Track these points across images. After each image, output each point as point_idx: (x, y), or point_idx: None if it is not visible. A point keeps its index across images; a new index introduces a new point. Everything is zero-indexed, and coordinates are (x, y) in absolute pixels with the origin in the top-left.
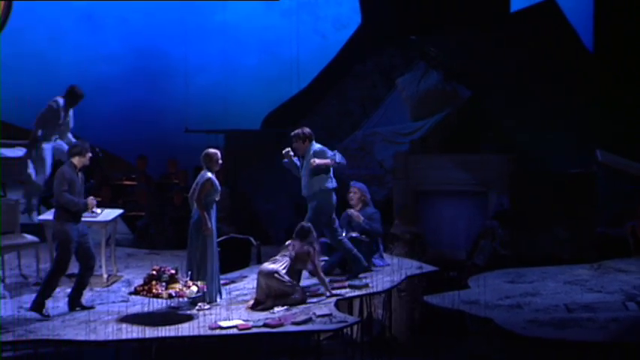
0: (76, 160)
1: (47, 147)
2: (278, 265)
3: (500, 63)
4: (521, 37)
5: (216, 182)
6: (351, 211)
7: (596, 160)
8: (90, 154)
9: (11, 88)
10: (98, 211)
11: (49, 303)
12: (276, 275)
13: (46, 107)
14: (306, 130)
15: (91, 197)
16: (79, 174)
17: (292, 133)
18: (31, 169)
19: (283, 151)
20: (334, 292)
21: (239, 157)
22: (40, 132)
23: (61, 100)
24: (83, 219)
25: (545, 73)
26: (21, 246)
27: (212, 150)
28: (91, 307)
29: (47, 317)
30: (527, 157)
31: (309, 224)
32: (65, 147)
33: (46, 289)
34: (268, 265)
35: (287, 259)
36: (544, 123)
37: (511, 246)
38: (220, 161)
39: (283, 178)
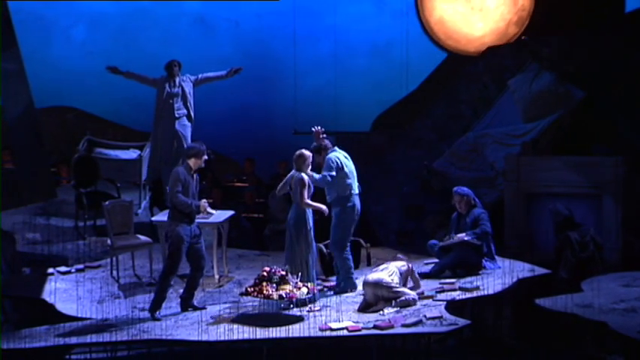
0: (192, 162)
1: None
2: (381, 272)
3: (613, 64)
4: (636, 38)
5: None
6: (456, 238)
7: None
8: (206, 157)
9: (124, 90)
10: (214, 212)
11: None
12: (382, 283)
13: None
14: (322, 142)
15: (204, 200)
16: (194, 176)
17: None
18: (144, 170)
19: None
20: (444, 295)
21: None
22: None
23: None
24: (196, 220)
25: None
26: (135, 246)
27: (307, 152)
28: (203, 308)
29: (157, 320)
30: None
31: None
32: None
33: (159, 291)
34: (372, 276)
35: (388, 264)
36: None
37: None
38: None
39: (393, 180)
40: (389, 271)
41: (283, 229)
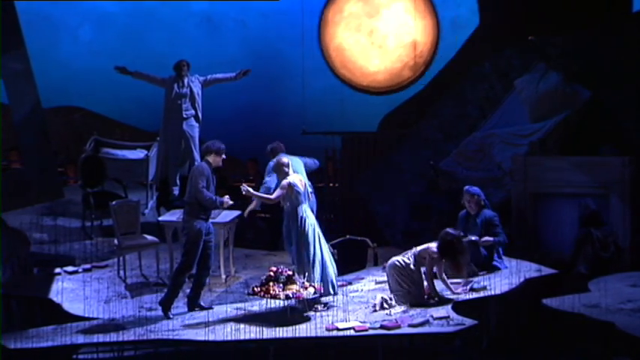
0: (211, 159)
1: None
2: (397, 256)
3: (621, 63)
4: None
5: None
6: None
7: None
8: (224, 156)
9: (131, 89)
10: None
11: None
12: (396, 264)
13: None
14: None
15: (227, 196)
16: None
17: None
18: (151, 170)
19: None
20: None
21: (356, 159)
22: None
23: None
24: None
25: None
26: (142, 246)
27: (285, 160)
28: (210, 308)
29: (169, 318)
30: None
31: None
32: None
33: (173, 288)
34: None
35: (411, 252)
36: None
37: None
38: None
39: (400, 180)
40: (405, 254)
41: None
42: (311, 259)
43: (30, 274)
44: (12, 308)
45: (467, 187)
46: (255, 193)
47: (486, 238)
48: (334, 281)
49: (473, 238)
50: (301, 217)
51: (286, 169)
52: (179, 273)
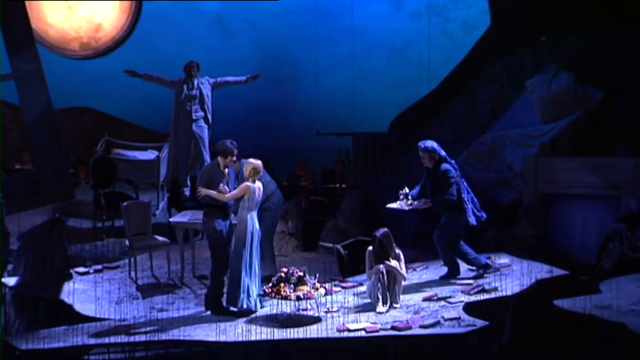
0: (220, 159)
1: None
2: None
3: (633, 64)
4: None
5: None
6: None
7: None
8: (234, 158)
9: (141, 91)
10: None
11: (180, 304)
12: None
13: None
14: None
15: (222, 184)
16: (226, 172)
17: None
18: (162, 171)
19: None
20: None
21: (367, 160)
22: None
23: None
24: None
25: None
26: (153, 247)
27: (255, 162)
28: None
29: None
30: None
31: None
32: None
33: (214, 290)
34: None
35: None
36: None
37: None
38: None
39: (411, 181)
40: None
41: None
42: (244, 263)
43: (54, 274)
44: (24, 309)
45: (420, 142)
46: (209, 192)
47: (425, 200)
48: (253, 294)
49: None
50: (250, 223)
51: (257, 177)
52: (215, 276)
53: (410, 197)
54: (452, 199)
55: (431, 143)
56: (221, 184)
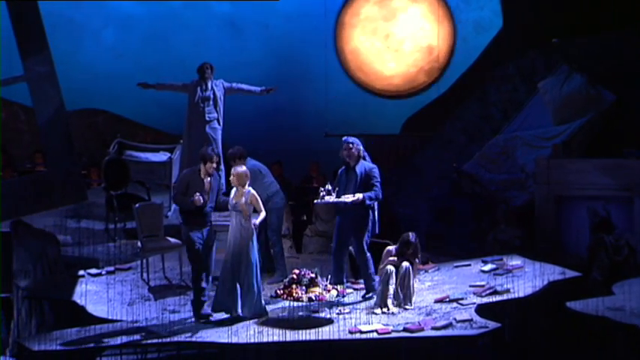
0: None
1: None
2: None
3: None
4: None
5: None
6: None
7: None
8: (214, 165)
9: (153, 92)
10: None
11: (187, 307)
12: None
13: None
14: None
15: (197, 194)
16: (208, 178)
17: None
18: (174, 173)
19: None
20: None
21: (378, 162)
22: None
23: None
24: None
25: None
26: (165, 249)
27: (241, 169)
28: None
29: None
30: None
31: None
32: None
33: (195, 295)
34: None
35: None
36: None
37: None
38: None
39: (423, 183)
40: None
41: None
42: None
43: (60, 276)
44: (37, 310)
45: (345, 137)
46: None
47: (358, 195)
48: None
49: (346, 198)
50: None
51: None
52: (193, 281)
53: (331, 193)
54: (380, 197)
55: (357, 139)
56: (197, 195)
